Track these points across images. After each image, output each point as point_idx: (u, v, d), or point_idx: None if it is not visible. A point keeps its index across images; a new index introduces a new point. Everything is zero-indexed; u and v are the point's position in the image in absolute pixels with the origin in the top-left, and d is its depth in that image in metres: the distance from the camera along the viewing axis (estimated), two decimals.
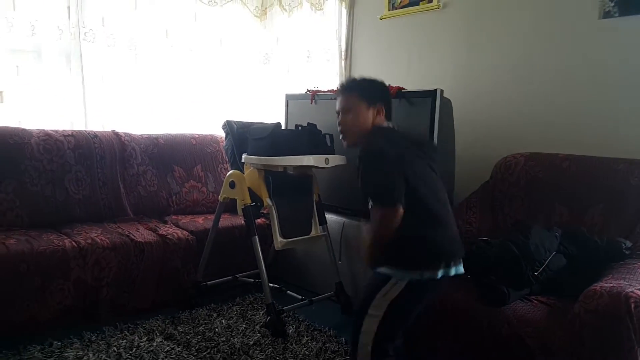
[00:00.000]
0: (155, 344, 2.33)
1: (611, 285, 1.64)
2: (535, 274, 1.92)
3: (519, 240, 1.96)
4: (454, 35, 2.96)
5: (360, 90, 1.86)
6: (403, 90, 2.64)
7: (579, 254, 1.99)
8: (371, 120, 1.83)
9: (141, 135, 3.23)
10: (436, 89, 2.37)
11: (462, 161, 2.71)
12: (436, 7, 3.02)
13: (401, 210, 1.62)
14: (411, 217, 1.64)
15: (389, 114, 1.89)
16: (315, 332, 2.52)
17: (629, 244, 1.98)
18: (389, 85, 2.66)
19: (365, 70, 3.46)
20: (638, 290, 1.58)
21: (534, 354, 1.75)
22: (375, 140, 1.76)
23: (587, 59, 2.44)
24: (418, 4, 3.13)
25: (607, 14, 2.35)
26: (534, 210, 2.33)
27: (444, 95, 2.45)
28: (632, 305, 1.54)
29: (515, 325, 1.80)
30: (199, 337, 2.43)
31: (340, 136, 1.91)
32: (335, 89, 3.07)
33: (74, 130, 3.00)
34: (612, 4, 2.32)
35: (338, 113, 1.90)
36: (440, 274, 1.65)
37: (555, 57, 2.56)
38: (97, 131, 3.08)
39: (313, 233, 2.68)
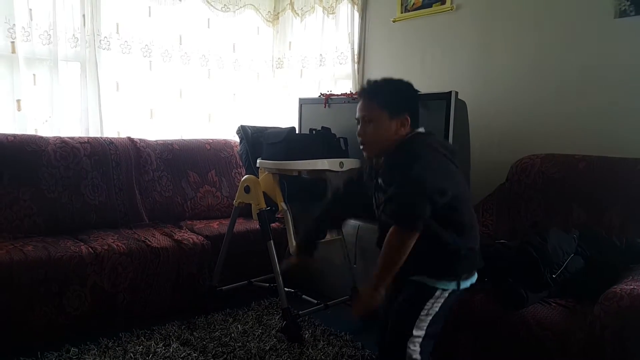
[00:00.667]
0: (171, 350, 2.34)
1: (631, 287, 1.62)
2: (554, 276, 1.90)
3: (537, 242, 1.94)
4: (467, 36, 2.95)
5: (382, 99, 1.67)
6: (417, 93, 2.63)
7: (597, 256, 1.96)
8: (394, 132, 1.66)
9: (156, 141, 3.26)
10: (451, 91, 2.35)
11: (478, 163, 2.69)
12: (449, 8, 3.00)
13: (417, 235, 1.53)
14: (454, 225, 1.61)
15: (415, 122, 1.70)
16: (332, 337, 2.51)
17: None
18: None
19: (378, 73, 3.45)
20: None
21: (553, 357, 1.73)
22: (417, 148, 1.62)
23: (603, 59, 2.41)
24: (431, 6, 3.11)
25: (623, 13, 2.32)
26: (551, 212, 2.30)
27: (459, 97, 2.43)
28: None
29: (534, 328, 1.78)
30: (215, 342, 2.43)
31: (361, 147, 1.74)
32: (348, 92, 3.09)
33: (90, 137, 3.05)
34: (628, 3, 2.29)
35: (358, 120, 1.73)
36: (470, 282, 1.67)
37: (570, 57, 2.53)
38: (112, 138, 3.13)
39: (328, 237, 2.66)
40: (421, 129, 1.72)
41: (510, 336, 1.84)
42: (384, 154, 1.70)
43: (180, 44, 3.56)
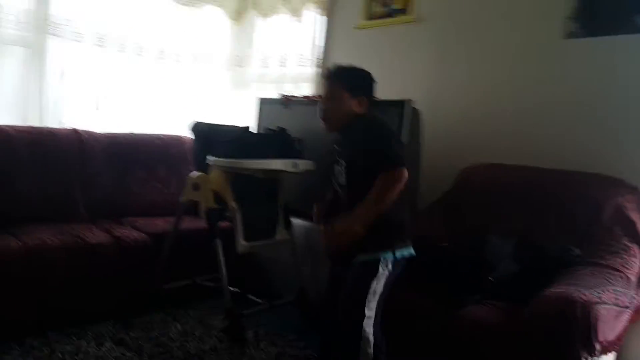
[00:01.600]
0: (103, 349, 2.25)
1: (560, 290, 1.72)
2: (490, 279, 1.98)
3: (476, 246, 2.03)
4: (427, 48, 3.03)
5: (345, 80, 1.89)
6: (375, 100, 2.68)
7: (531, 261, 2.05)
8: (352, 109, 1.87)
9: (102, 133, 3.15)
10: (404, 100, 2.42)
11: (429, 170, 2.75)
12: (411, 20, 3.07)
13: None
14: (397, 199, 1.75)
15: (372, 107, 1.92)
16: (275, 337, 2.51)
17: (578, 251, 2.06)
18: None
19: None
20: (584, 295, 1.65)
21: (487, 357, 1.80)
22: (376, 115, 1.86)
23: (551, 77, 2.54)
24: (394, 16, 3.16)
25: (571, 35, 2.45)
26: (491, 218, 2.39)
27: (415, 106, 2.51)
28: (578, 310, 1.61)
29: (471, 328, 1.85)
30: (151, 342, 2.36)
31: (321, 122, 1.94)
32: (308, 95, 3.10)
33: (29, 126, 2.90)
34: (577, 25, 2.42)
35: (320, 98, 1.95)
36: (408, 252, 1.82)
37: (521, 74, 2.65)
38: (54, 128, 2.99)
39: (277, 237, 2.67)
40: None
41: (447, 337, 1.90)
42: (341, 129, 1.90)
43: (135, 34, 3.44)
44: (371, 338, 1.73)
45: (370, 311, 1.74)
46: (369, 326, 1.73)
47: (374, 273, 1.75)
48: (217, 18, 3.83)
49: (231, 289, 2.54)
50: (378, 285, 1.75)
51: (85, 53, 3.24)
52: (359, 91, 1.88)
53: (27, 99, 3.06)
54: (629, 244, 2.01)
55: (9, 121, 2.91)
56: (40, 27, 2.99)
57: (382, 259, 1.76)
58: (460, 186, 2.60)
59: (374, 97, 1.94)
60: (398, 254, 1.78)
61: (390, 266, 1.77)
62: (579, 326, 1.61)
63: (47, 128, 2.96)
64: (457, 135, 2.86)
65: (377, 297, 1.75)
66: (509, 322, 1.82)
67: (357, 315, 1.73)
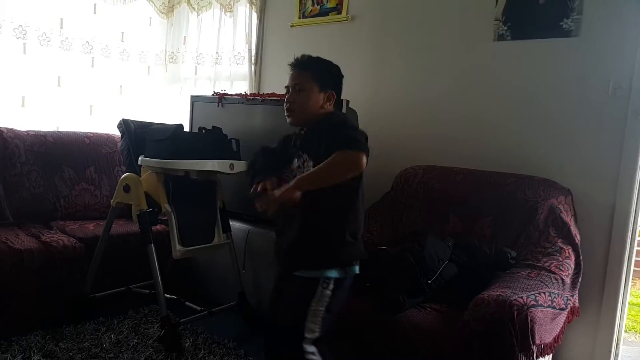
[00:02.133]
0: None
1: (497, 293, 1.73)
2: (429, 282, 1.98)
3: (415, 249, 2.01)
4: (361, 47, 3.02)
5: (315, 70, 1.77)
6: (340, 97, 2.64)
7: (469, 263, 2.07)
8: (320, 104, 1.76)
9: (27, 131, 2.96)
10: (341, 100, 2.38)
11: (367, 172, 2.74)
12: (345, 18, 3.06)
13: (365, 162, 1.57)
14: (349, 210, 1.68)
15: (339, 102, 1.84)
16: (214, 345, 2.43)
17: (514, 254, 2.10)
18: None
19: (275, 75, 3.43)
20: (520, 299, 1.67)
21: None
22: (345, 114, 1.77)
23: (483, 78, 2.58)
24: (327, 15, 3.15)
25: (501, 37, 2.50)
26: (429, 220, 2.41)
27: (350, 106, 2.47)
28: (515, 313, 1.62)
29: (410, 332, 1.84)
30: (83, 353, 2.25)
31: (286, 113, 1.80)
32: (243, 93, 3.02)
33: None
34: (506, 28, 2.48)
35: (287, 89, 1.79)
36: (354, 271, 1.71)
37: (454, 75, 2.68)
38: None
39: (216, 241, 2.58)
40: None
41: (387, 340, 1.89)
42: (306, 124, 1.78)
43: (62, 28, 3.28)
44: (315, 358, 1.62)
45: (310, 333, 1.62)
46: (310, 346, 1.62)
47: (312, 292, 1.64)
48: (148, 12, 3.73)
49: (167, 296, 2.45)
50: (318, 306, 1.63)
51: (5, 46, 3.06)
52: (328, 85, 1.78)
53: None
54: (563, 246, 2.05)
55: None
56: None
57: (322, 278, 1.65)
58: (398, 188, 2.59)
59: (340, 93, 1.85)
60: (342, 273, 1.67)
61: (331, 286, 1.65)
62: (516, 329, 1.62)
63: None
64: (394, 136, 2.86)
65: (318, 318, 1.63)
66: (447, 326, 1.82)
67: (295, 336, 1.63)
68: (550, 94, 2.37)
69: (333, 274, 1.66)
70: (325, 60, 1.83)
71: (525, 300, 1.67)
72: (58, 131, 3.13)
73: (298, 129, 1.84)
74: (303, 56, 1.81)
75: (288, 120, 1.80)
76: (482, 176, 2.38)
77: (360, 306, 1.97)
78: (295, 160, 1.78)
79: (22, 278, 2.36)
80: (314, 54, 1.84)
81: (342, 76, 1.85)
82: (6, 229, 2.61)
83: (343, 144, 1.55)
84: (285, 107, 1.79)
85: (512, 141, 2.48)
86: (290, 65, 1.81)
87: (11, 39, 3.07)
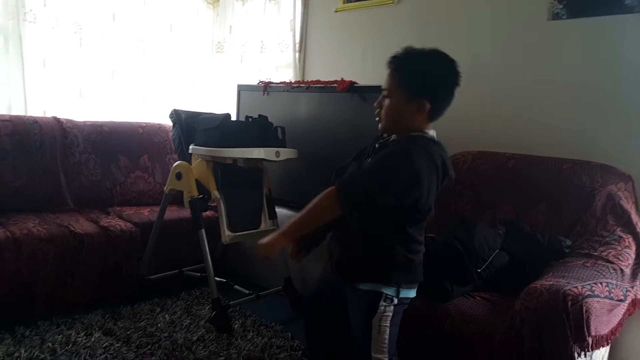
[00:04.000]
0: (93, 340, 2.24)
1: (550, 283, 1.67)
2: (479, 270, 1.94)
3: (464, 237, 1.97)
4: (407, 31, 2.95)
5: (405, 75, 1.48)
6: (356, 85, 2.62)
7: (521, 252, 2.01)
8: (408, 115, 1.49)
9: (84, 122, 3.10)
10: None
11: None
12: (390, 1, 2.99)
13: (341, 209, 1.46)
14: (414, 233, 1.54)
15: (437, 111, 1.53)
16: (262, 328, 2.49)
17: (569, 242, 2.02)
18: (342, 79, 2.66)
19: (319, 62, 3.43)
20: (575, 289, 1.61)
21: (476, 350, 1.76)
22: (414, 149, 1.45)
23: (536, 60, 2.47)
24: None
25: (555, 16, 2.37)
26: (479, 207, 2.35)
27: None
28: (569, 303, 1.57)
29: (458, 321, 1.81)
30: (139, 332, 2.35)
31: (377, 118, 1.59)
32: (288, 81, 3.04)
33: (12, 115, 2.87)
34: (561, 7, 2.35)
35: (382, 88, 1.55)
36: (411, 294, 1.60)
37: (505, 57, 2.58)
38: (36, 117, 2.95)
39: (262, 227, 2.63)
40: (432, 133, 1.58)
41: (434, 329, 1.87)
42: (397, 134, 1.57)
43: (114, 21, 3.39)
44: None
45: (379, 354, 1.54)
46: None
47: (374, 310, 1.53)
48: (195, 3, 3.79)
49: (217, 279, 2.52)
50: (382, 322, 1.53)
51: (63, 40, 3.19)
52: (421, 92, 1.46)
53: (8, 88, 3.01)
54: (623, 235, 1.96)
55: None
56: (15, 13, 2.92)
57: (385, 294, 1.53)
58: None
59: (441, 101, 1.52)
60: (401, 293, 1.54)
61: (391, 306, 1.53)
62: (570, 320, 1.57)
63: (30, 117, 2.92)
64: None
65: (384, 335, 1.53)
66: (496, 316, 1.79)
67: (364, 357, 1.57)
68: (609, 76, 2.24)
69: (388, 290, 1.53)
70: (426, 56, 1.51)
71: (580, 290, 1.61)
72: (113, 121, 3.25)
73: (373, 139, 1.66)
74: (404, 49, 1.52)
75: (379, 126, 1.60)
76: (536, 161, 2.29)
77: None
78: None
79: (83, 260, 2.49)
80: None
81: (449, 75, 1.51)
82: (67, 214, 2.75)
83: (342, 182, 1.46)
84: (375, 112, 1.59)
85: (567, 125, 2.37)
86: (388, 62, 1.55)
87: (69, 34, 3.20)
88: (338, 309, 1.67)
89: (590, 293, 1.62)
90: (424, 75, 1.48)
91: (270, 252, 1.49)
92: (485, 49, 2.65)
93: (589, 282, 1.68)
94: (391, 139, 1.60)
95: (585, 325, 1.57)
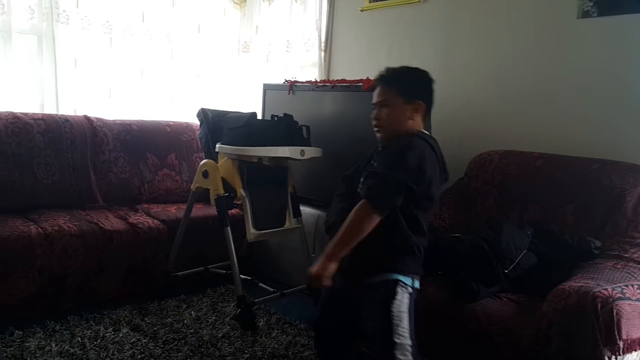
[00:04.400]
0: (121, 335, 2.29)
1: (579, 284, 1.65)
2: (506, 271, 1.91)
3: (491, 237, 1.95)
4: (434, 30, 2.94)
5: (399, 85, 1.73)
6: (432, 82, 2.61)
7: (549, 253, 1.98)
8: (408, 117, 1.72)
9: (114, 120, 3.16)
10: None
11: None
12: (417, 0, 2.98)
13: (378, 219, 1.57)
14: (420, 223, 1.66)
15: (428, 112, 1.79)
16: (286, 326, 2.50)
17: (598, 243, 1.98)
18: (367, 78, 2.65)
19: (345, 61, 3.43)
20: (605, 291, 1.58)
21: (502, 351, 1.74)
22: (418, 143, 1.66)
23: (565, 58, 2.44)
24: None
25: (585, 14, 2.33)
26: (506, 207, 2.33)
27: None
28: (599, 305, 1.54)
29: (484, 322, 1.79)
30: (166, 328, 2.39)
31: (375, 129, 1.79)
32: (313, 80, 3.05)
33: (44, 114, 2.94)
34: (591, 4, 2.31)
35: (374, 105, 1.78)
36: (418, 283, 1.69)
37: (533, 56, 2.55)
38: (68, 115, 3.02)
39: (287, 225, 2.64)
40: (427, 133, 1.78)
41: (460, 329, 1.86)
42: (395, 140, 1.72)
43: (143, 22, 3.45)
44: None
45: (401, 338, 1.57)
46: (404, 355, 1.56)
47: (392, 296, 1.60)
48: (222, 3, 3.83)
49: (242, 276, 2.54)
50: (401, 308, 1.59)
51: (94, 40, 3.27)
52: (415, 96, 1.73)
53: (42, 87, 3.11)
54: None
55: (27, 109, 2.94)
56: (49, 14, 3.00)
57: (400, 281, 1.62)
58: (473, 174, 2.51)
59: (431, 100, 1.78)
60: (415, 283, 1.66)
61: (408, 291, 1.63)
62: (600, 322, 1.54)
63: (62, 115, 2.98)
64: (468, 120, 2.78)
65: (404, 321, 1.58)
66: (523, 317, 1.77)
67: (386, 345, 1.58)
68: None
69: (405, 279, 1.63)
70: (410, 70, 1.79)
71: (610, 292, 1.58)
72: (142, 120, 3.31)
73: (374, 149, 1.82)
74: (387, 70, 1.79)
75: (378, 136, 1.78)
76: (564, 161, 2.26)
77: (433, 294, 1.95)
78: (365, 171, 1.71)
79: (111, 256, 2.55)
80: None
81: (432, 81, 1.79)
82: (97, 211, 2.81)
83: (370, 194, 1.57)
84: (373, 125, 1.78)
85: (597, 125, 2.33)
86: (375, 80, 1.80)
87: (99, 34, 3.26)
88: (347, 321, 1.75)
89: (621, 295, 1.59)
90: (414, 81, 1.76)
91: (322, 282, 1.56)
92: (513, 47, 2.62)
93: (620, 284, 1.65)
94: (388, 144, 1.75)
95: (616, 328, 1.54)
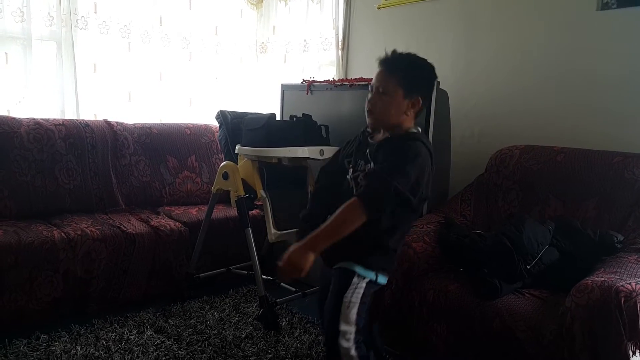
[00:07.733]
0: (145, 337, 2.31)
1: (602, 279, 1.63)
2: (528, 267, 1.91)
3: (512, 233, 1.94)
4: (452, 26, 2.92)
5: (403, 74, 1.63)
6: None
7: (571, 248, 1.97)
8: (403, 111, 1.64)
9: (134, 124, 3.20)
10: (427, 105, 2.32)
11: (458, 154, 2.68)
12: None
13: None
14: (399, 223, 1.65)
15: (425, 107, 1.71)
16: (309, 325, 2.51)
17: (621, 237, 1.96)
18: None
19: (362, 60, 3.43)
20: (629, 285, 1.57)
21: (525, 347, 1.74)
22: (423, 152, 1.60)
23: (585, 51, 2.41)
24: None
25: (605, 6, 2.31)
26: (528, 203, 2.31)
27: (441, 87, 2.42)
28: (622, 300, 1.53)
29: (507, 318, 1.79)
30: (190, 330, 2.41)
31: (367, 114, 1.70)
32: (331, 79, 3.05)
33: (65, 119, 2.97)
34: None
35: (371, 88, 1.68)
36: (384, 281, 1.68)
37: (552, 49, 2.53)
38: (88, 120, 3.05)
39: None
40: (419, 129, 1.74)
41: (483, 326, 1.85)
42: (385, 130, 1.68)
43: (161, 25, 3.48)
44: (353, 353, 1.59)
45: (347, 325, 1.59)
46: (346, 341, 1.59)
47: (346, 285, 1.61)
48: (238, 5, 3.84)
49: (264, 277, 2.55)
50: (353, 298, 1.60)
51: (113, 45, 3.30)
52: (416, 90, 1.64)
53: (62, 93, 3.15)
54: None
55: (48, 115, 3.00)
56: (67, 20, 3.05)
57: (358, 273, 1.62)
58: (493, 170, 2.50)
59: (430, 97, 1.76)
60: (379, 279, 1.64)
61: (364, 284, 1.62)
62: (624, 317, 1.53)
63: (82, 120, 3.02)
64: (485, 116, 2.76)
65: (352, 310, 1.60)
66: (546, 313, 1.76)
67: (331, 331, 1.62)
68: None
69: (366, 273, 1.63)
70: (417, 60, 1.68)
71: (633, 287, 1.56)
72: (161, 123, 3.34)
73: (360, 133, 1.78)
74: (394, 53, 1.67)
75: (368, 121, 1.71)
76: (585, 155, 2.24)
77: (455, 291, 1.95)
78: (357, 160, 1.70)
79: (134, 259, 2.57)
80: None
81: (435, 77, 1.71)
82: (119, 214, 2.84)
83: (364, 195, 1.53)
84: (366, 108, 1.69)
85: (618, 118, 2.31)
86: (378, 61, 1.68)
87: (118, 39, 3.30)
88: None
89: None
90: (417, 74, 1.66)
91: (300, 272, 1.50)
92: (533, 41, 2.60)
93: None
94: (384, 137, 1.68)
95: None
